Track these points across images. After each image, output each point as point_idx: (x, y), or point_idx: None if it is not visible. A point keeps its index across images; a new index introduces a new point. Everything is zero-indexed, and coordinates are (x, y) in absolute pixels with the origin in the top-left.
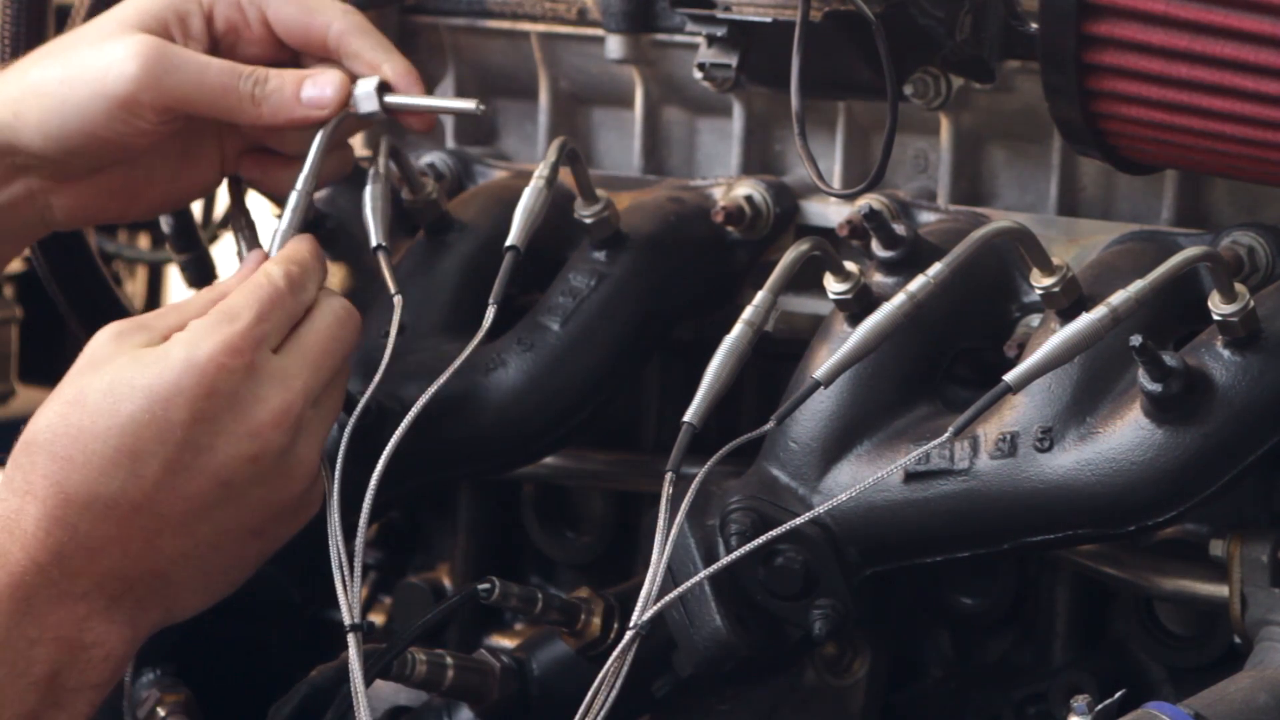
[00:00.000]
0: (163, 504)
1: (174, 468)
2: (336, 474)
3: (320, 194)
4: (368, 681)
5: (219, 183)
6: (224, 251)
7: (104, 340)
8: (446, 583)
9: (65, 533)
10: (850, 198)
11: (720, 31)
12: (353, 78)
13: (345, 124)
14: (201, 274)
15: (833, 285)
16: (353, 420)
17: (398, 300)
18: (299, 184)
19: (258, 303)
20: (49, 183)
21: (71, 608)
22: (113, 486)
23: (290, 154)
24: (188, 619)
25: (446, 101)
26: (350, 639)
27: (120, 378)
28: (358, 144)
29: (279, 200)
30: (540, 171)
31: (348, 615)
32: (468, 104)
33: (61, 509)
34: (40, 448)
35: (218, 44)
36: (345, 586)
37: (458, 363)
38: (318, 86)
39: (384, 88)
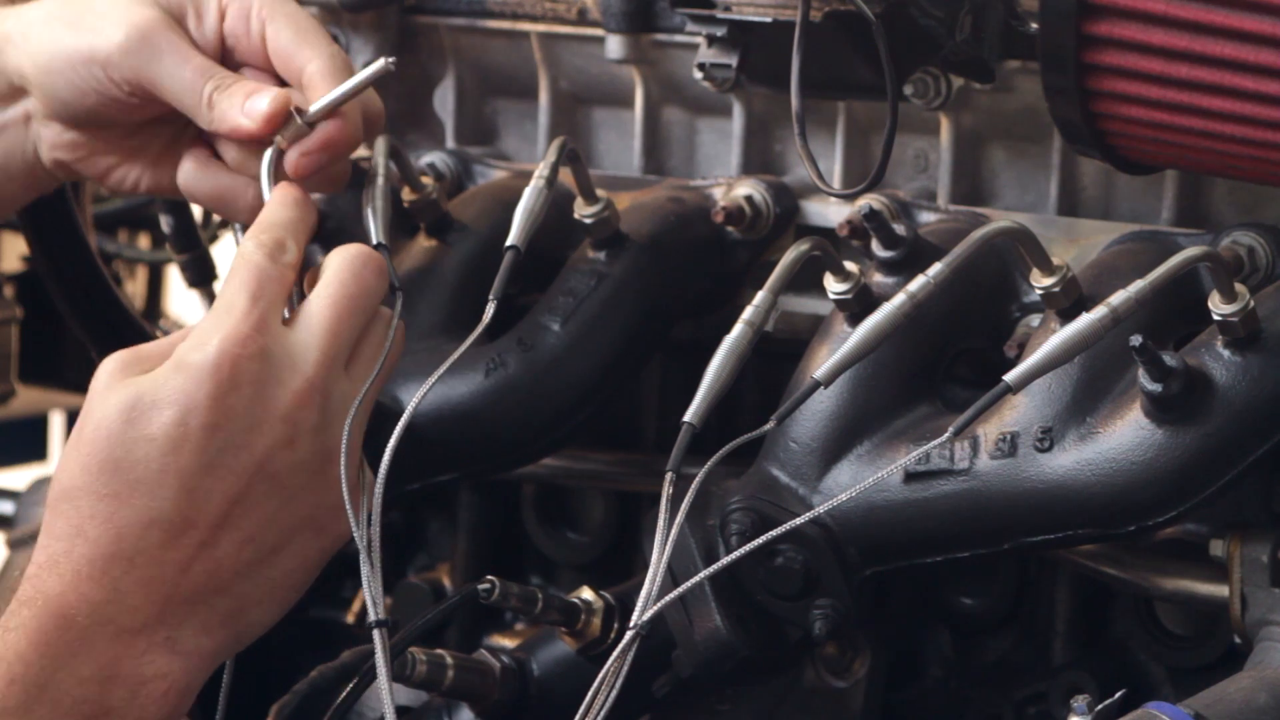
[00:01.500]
0: (212, 513)
1: (217, 472)
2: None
3: (319, 194)
4: (367, 682)
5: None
6: (224, 251)
7: (108, 373)
8: (446, 583)
9: (120, 567)
10: (850, 198)
11: (720, 31)
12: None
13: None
14: (201, 274)
15: (833, 285)
16: (350, 418)
17: (399, 295)
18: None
19: (244, 285)
20: (40, 111)
21: (129, 643)
22: (165, 508)
23: (233, 169)
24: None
25: (357, 77)
26: (375, 635)
27: (141, 400)
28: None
29: (222, 212)
30: (540, 171)
31: (373, 611)
32: (377, 65)
33: (115, 544)
34: (81, 490)
35: (222, 43)
36: (369, 583)
37: (454, 358)
38: (257, 99)
39: (300, 111)
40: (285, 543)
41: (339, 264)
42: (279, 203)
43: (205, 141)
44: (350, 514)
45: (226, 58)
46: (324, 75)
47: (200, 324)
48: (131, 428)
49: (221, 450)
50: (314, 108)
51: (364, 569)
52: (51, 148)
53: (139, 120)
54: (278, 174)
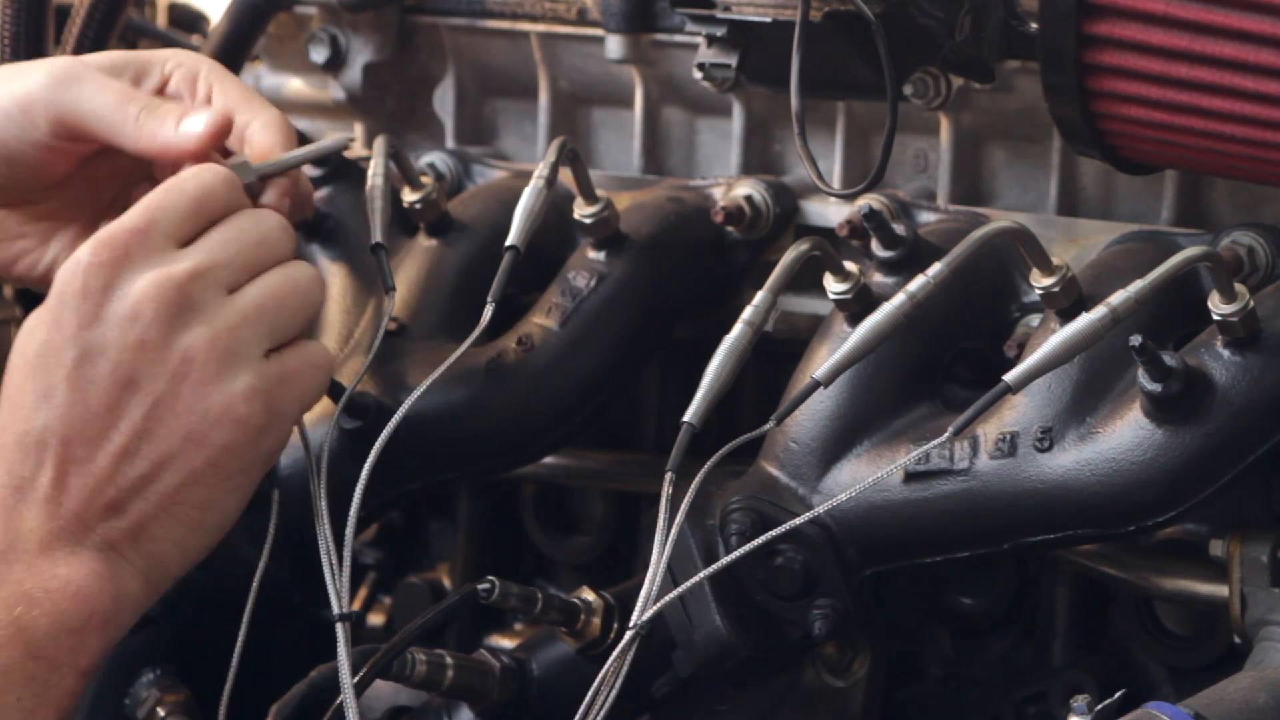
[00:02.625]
0: (80, 424)
1: (78, 384)
2: (322, 471)
3: (320, 194)
4: (367, 682)
5: None
6: None
7: None
8: (446, 583)
9: (13, 496)
10: (850, 198)
11: (720, 31)
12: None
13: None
14: None
15: (833, 285)
16: (339, 409)
17: (390, 296)
18: None
19: (153, 198)
20: None
21: (30, 565)
22: (36, 423)
23: None
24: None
25: (311, 148)
26: (338, 629)
27: (29, 320)
28: (358, 144)
29: None
30: (540, 171)
31: (336, 605)
32: (332, 142)
33: (4, 474)
34: None
35: None
36: (333, 576)
37: (453, 358)
38: (193, 120)
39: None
40: (168, 457)
41: (248, 211)
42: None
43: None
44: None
45: None
46: (266, 128)
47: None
48: (15, 350)
49: (79, 361)
50: (268, 163)
51: (325, 562)
52: None
53: (62, 189)
54: None
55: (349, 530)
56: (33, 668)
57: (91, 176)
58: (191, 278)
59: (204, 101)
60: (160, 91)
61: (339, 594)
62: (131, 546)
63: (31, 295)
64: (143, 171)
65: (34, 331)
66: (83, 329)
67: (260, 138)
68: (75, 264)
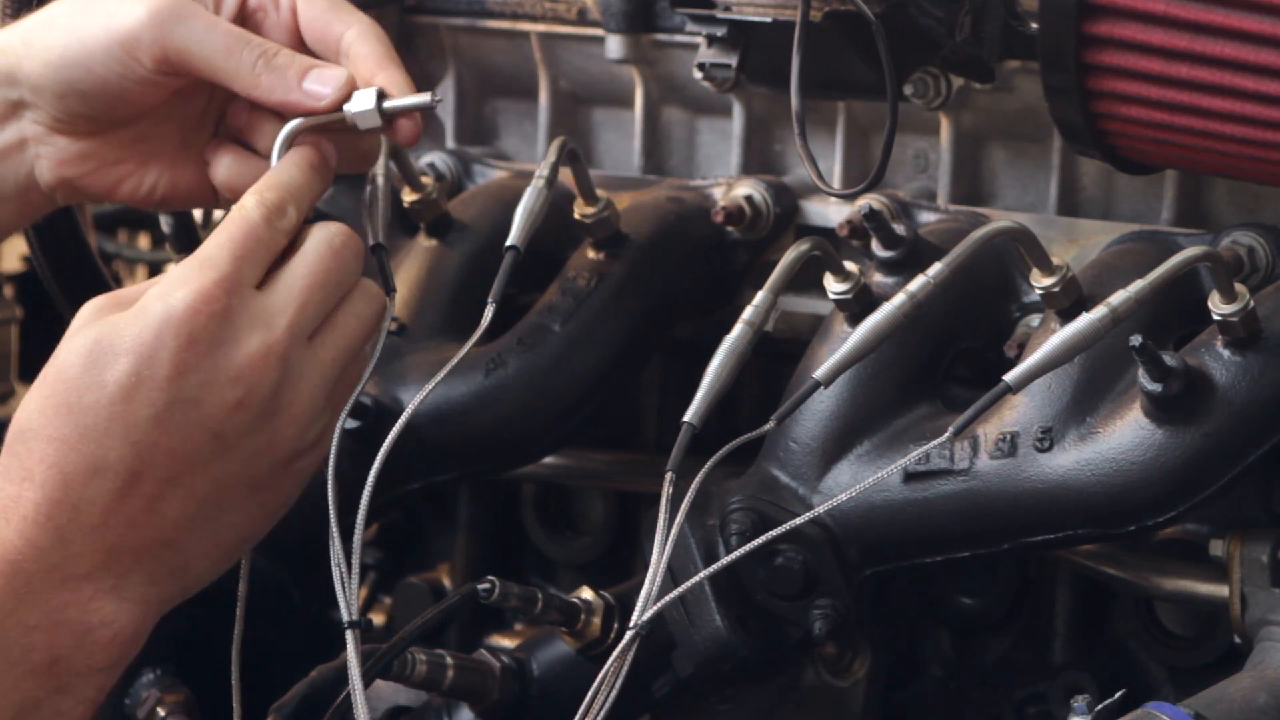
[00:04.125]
0: (159, 466)
1: (165, 426)
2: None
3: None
4: (368, 682)
5: (210, 198)
6: None
7: (83, 315)
8: (446, 583)
9: (66, 514)
10: (850, 198)
11: (720, 31)
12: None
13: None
14: None
15: (833, 285)
16: (344, 416)
17: (391, 297)
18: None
19: (230, 241)
20: (42, 128)
21: (75, 589)
22: (110, 457)
23: (264, 154)
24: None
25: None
26: (349, 636)
27: (99, 344)
28: None
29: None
30: (540, 171)
31: (346, 612)
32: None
33: (61, 490)
34: (34, 433)
35: (246, 21)
36: (344, 584)
37: (454, 361)
38: (321, 80)
39: (382, 96)
40: (231, 501)
41: (320, 238)
42: (293, 163)
43: (227, 137)
44: (333, 523)
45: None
46: (363, 38)
47: (175, 271)
48: (87, 373)
49: (171, 405)
50: (388, 104)
51: (335, 572)
52: (56, 165)
53: (155, 111)
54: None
55: (357, 534)
56: (58, 701)
57: (183, 96)
58: (291, 340)
59: (287, 14)
60: (241, 6)
61: (348, 601)
62: (171, 579)
63: (32, 295)
64: (229, 91)
65: (116, 355)
66: (181, 376)
67: (358, 48)
68: (181, 308)
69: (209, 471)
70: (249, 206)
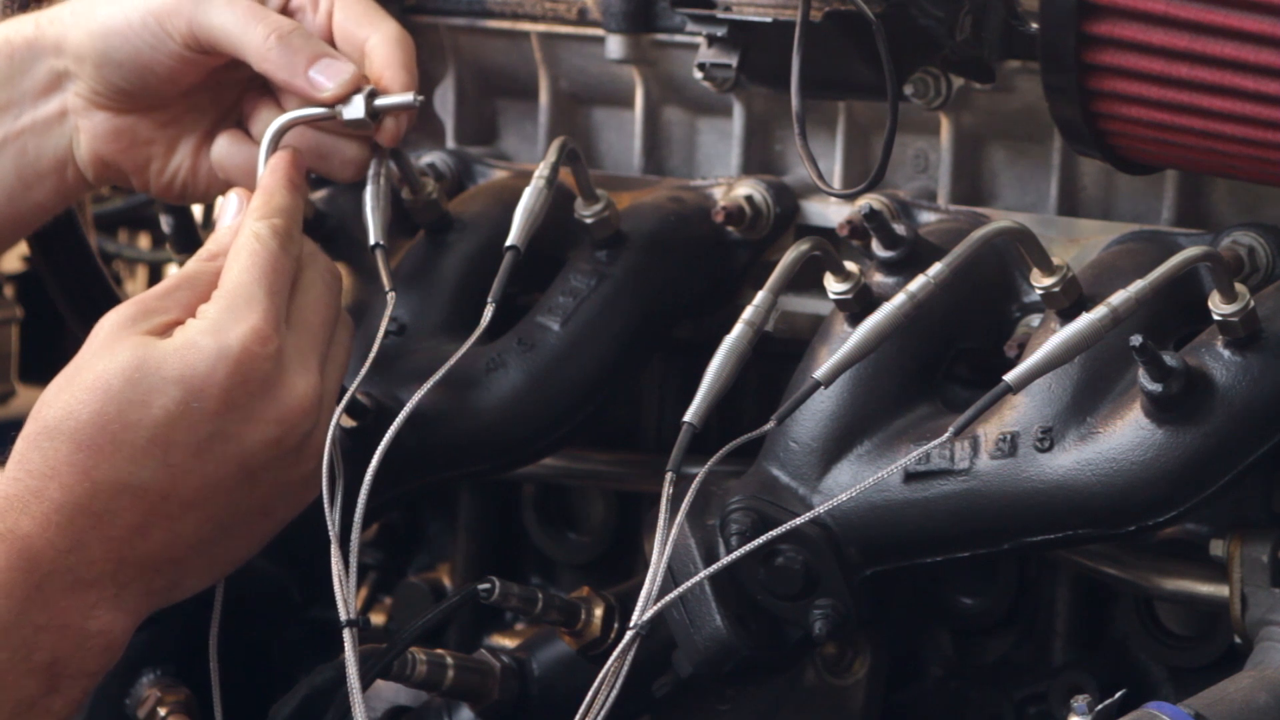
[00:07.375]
0: (187, 490)
1: (202, 455)
2: (324, 470)
3: (319, 194)
4: (368, 682)
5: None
6: None
7: (113, 326)
8: (446, 583)
9: (88, 521)
10: (850, 198)
11: (720, 31)
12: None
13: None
14: None
15: (833, 285)
16: (338, 413)
17: (390, 297)
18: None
19: (264, 276)
20: (82, 100)
21: (82, 595)
22: (143, 476)
23: (256, 141)
24: (189, 621)
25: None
26: (346, 634)
27: (146, 366)
28: None
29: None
30: (540, 171)
31: (343, 610)
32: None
33: (88, 497)
34: (64, 435)
35: (287, 13)
36: (341, 583)
37: (453, 360)
38: (328, 72)
39: (374, 94)
40: (243, 525)
41: (322, 272)
42: (283, 186)
43: (234, 122)
44: (329, 521)
45: None
46: (386, 43)
47: (220, 307)
48: (132, 391)
49: (213, 437)
50: (380, 102)
51: (335, 569)
52: (92, 139)
53: (186, 98)
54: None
55: (355, 533)
56: (50, 701)
57: (216, 83)
58: (326, 382)
59: (325, 15)
60: (285, 3)
61: (346, 600)
62: (165, 592)
63: (31, 295)
64: (261, 80)
65: (165, 381)
66: (228, 411)
67: (379, 52)
68: (238, 348)
69: (231, 499)
70: (264, 234)
